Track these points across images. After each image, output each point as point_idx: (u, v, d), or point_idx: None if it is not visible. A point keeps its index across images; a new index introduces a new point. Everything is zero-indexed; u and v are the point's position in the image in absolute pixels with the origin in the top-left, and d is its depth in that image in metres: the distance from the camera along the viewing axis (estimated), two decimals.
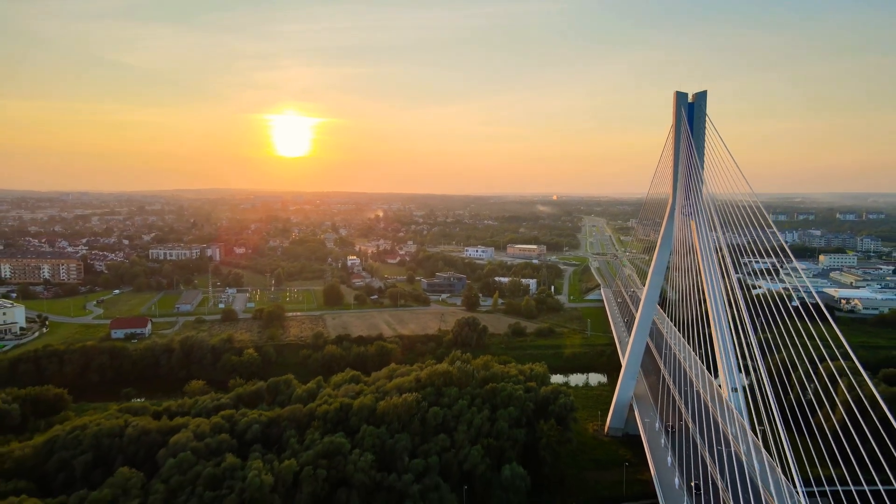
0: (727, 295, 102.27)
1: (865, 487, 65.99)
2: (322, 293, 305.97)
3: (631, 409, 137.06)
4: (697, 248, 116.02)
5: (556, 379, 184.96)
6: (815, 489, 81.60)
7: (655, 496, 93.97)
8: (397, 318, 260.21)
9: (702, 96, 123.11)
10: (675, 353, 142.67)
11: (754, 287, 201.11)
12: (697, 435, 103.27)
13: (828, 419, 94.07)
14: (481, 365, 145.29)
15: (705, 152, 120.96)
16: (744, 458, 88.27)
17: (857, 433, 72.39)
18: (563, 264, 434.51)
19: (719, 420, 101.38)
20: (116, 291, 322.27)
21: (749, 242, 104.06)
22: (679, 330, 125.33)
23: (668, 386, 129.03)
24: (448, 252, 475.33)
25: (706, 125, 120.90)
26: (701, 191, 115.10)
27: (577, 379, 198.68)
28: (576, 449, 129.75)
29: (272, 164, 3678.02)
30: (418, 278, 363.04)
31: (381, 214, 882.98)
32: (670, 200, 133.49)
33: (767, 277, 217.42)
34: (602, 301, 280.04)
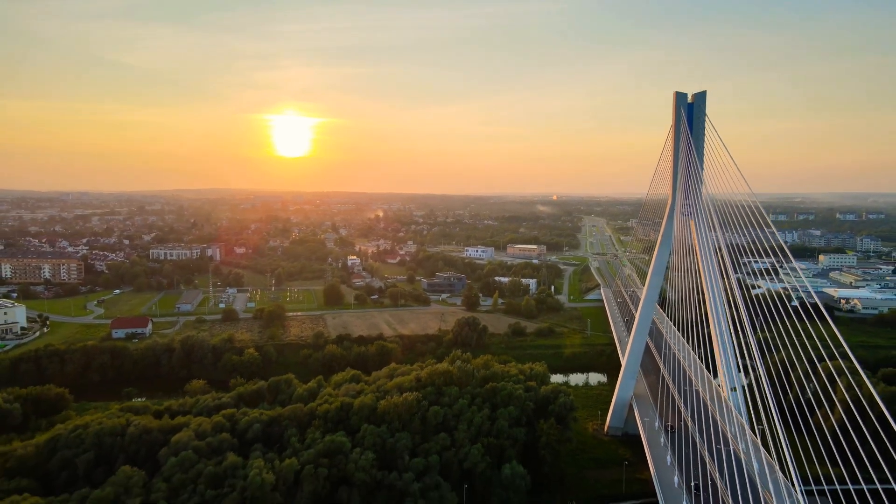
0: (726, 295, 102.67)
1: (864, 486, 66.33)
2: (322, 293, 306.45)
3: (630, 409, 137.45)
4: (697, 247, 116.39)
5: (556, 378, 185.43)
6: (814, 488, 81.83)
7: (655, 495, 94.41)
8: (397, 318, 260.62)
9: (701, 97, 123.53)
10: (674, 353, 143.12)
11: (754, 287, 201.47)
12: (697, 434, 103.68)
13: (826, 419, 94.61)
14: (481, 364, 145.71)
15: (705, 152, 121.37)
16: (743, 458, 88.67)
17: (855, 432, 72.77)
18: (563, 264, 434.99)
19: (718, 419, 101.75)
20: (117, 291, 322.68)
21: (748, 242, 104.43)
22: (679, 329, 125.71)
23: (667, 385, 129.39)
24: (448, 252, 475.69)
25: (705, 125, 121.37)
26: (700, 191, 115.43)
27: (576, 378, 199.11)
28: (575, 448, 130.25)
29: (272, 164, 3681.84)
30: (418, 278, 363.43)
31: (381, 214, 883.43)
32: (670, 200, 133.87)
33: (767, 277, 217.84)
34: (602, 301, 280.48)
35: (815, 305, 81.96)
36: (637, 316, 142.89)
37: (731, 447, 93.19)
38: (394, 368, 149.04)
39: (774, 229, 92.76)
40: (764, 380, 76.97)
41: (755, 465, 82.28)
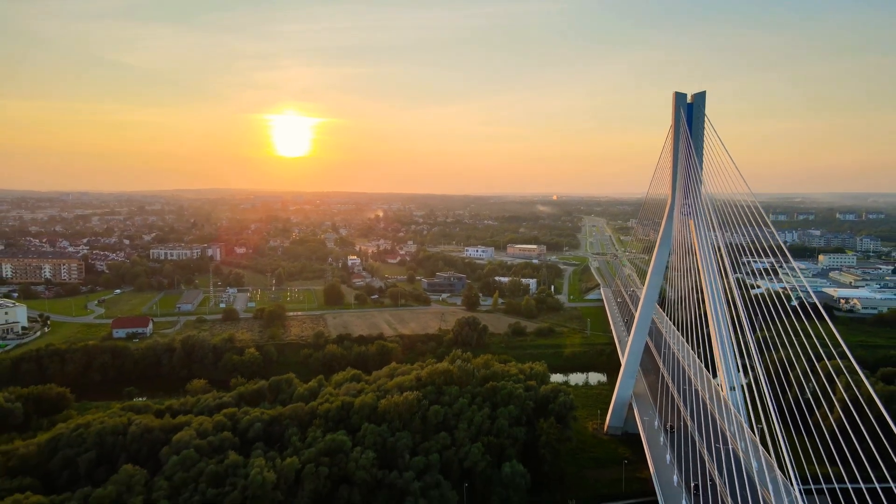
0: (726, 294, 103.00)
1: (862, 485, 66.58)
2: (323, 293, 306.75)
3: (630, 408, 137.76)
4: (696, 247, 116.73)
5: (556, 378, 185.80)
6: (813, 487, 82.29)
7: (654, 494, 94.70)
8: (398, 318, 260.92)
9: (700, 97, 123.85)
10: (674, 353, 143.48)
11: (753, 287, 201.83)
12: (696, 433, 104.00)
13: (825, 418, 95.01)
14: (481, 364, 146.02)
15: (704, 152, 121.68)
16: (742, 457, 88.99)
17: (854, 432, 73.09)
18: (562, 264, 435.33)
19: (718, 419, 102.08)
20: (117, 291, 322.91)
21: (748, 242, 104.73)
22: (678, 329, 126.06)
23: (667, 385, 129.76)
24: (448, 252, 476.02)
25: (705, 125, 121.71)
26: (700, 191, 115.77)
27: (576, 378, 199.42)
28: (575, 447, 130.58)
29: (272, 164, 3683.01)
30: (418, 278, 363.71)
31: (381, 214, 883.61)
32: (669, 200, 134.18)
33: (766, 277, 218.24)
34: (602, 301, 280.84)
35: (814, 305, 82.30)
36: (637, 315, 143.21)
37: (731, 446, 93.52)
38: (394, 368, 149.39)
39: (774, 229, 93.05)
40: (763, 379, 77.33)
41: (754, 465, 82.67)
